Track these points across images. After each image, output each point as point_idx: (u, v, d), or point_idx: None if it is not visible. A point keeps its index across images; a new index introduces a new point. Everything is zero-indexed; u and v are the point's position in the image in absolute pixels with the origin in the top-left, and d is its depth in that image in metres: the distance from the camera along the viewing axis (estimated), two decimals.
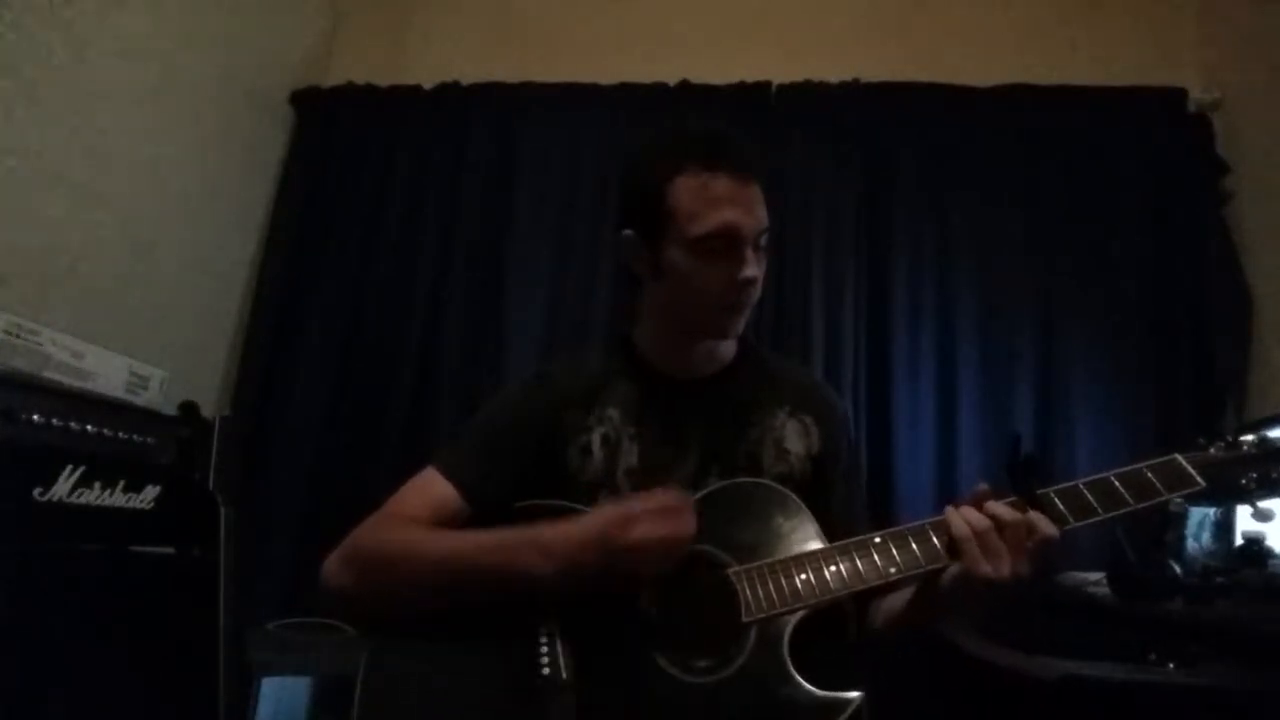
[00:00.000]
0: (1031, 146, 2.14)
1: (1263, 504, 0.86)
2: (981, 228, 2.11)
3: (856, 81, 2.23)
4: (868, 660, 1.00)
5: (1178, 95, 2.10)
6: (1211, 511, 1.42)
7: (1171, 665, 1.13)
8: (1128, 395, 1.96)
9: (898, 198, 2.15)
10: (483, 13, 2.58)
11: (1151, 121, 2.11)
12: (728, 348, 1.13)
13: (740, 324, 1.06)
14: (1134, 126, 2.11)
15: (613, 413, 1.07)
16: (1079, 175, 2.11)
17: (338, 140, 2.41)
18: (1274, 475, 0.84)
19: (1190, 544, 1.42)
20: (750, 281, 1.00)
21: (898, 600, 0.98)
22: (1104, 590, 1.40)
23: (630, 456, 1.05)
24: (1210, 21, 2.23)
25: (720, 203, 0.97)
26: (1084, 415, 1.95)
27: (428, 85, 2.41)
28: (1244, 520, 1.38)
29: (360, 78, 2.46)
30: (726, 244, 0.98)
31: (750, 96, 2.25)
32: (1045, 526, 0.84)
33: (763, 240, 1.01)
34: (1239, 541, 1.36)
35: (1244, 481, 0.84)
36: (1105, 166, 2.10)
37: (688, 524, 0.90)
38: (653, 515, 0.89)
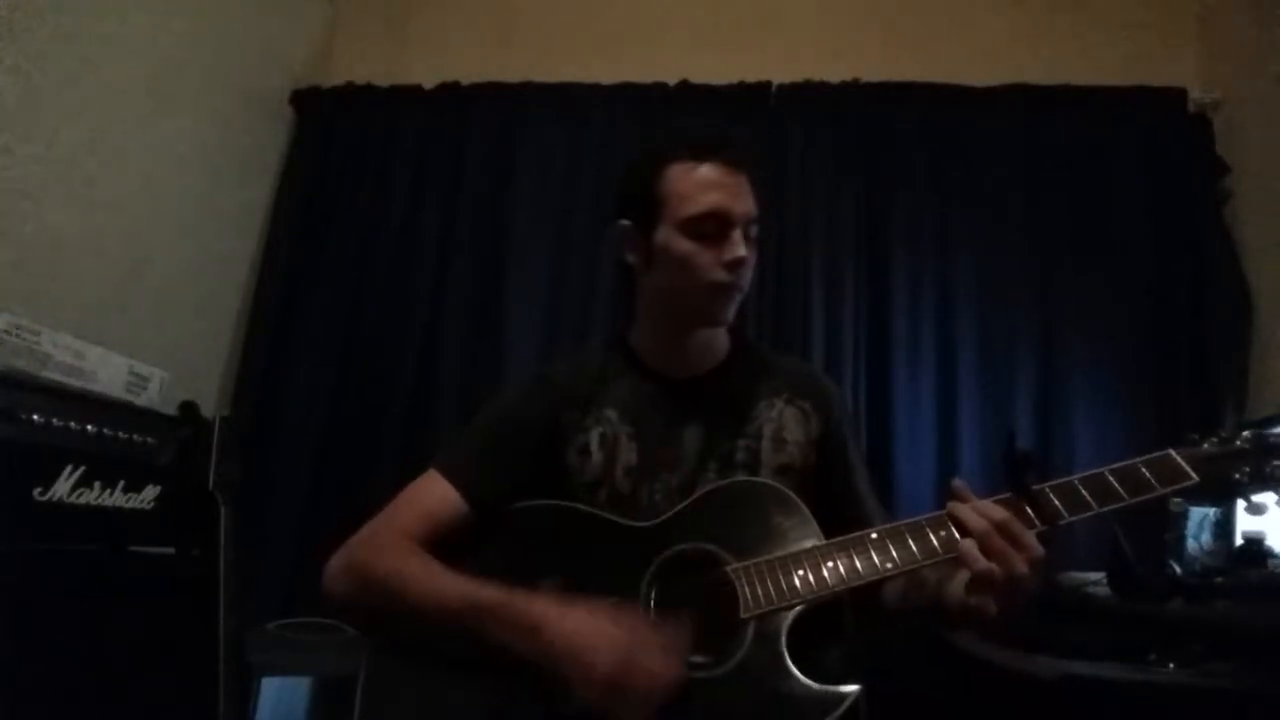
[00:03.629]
0: (1031, 146, 2.14)
1: (1256, 498, 0.85)
2: (981, 227, 2.11)
3: (856, 81, 2.23)
4: (865, 655, 1.00)
5: (1178, 95, 2.10)
6: (1211, 511, 1.42)
7: (1171, 665, 1.13)
8: (1127, 394, 1.96)
9: (898, 197, 2.15)
10: (483, 13, 2.58)
11: (1151, 121, 2.10)
12: (722, 344, 1.14)
13: (731, 310, 1.07)
14: (1134, 126, 2.11)
15: (610, 413, 1.08)
16: (1079, 175, 2.11)
17: (338, 140, 2.41)
18: (1266, 469, 0.84)
19: (1190, 544, 1.42)
20: (740, 261, 1.02)
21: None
22: (1104, 590, 1.39)
23: (629, 455, 1.06)
24: (1210, 21, 2.23)
25: (710, 187, 1.01)
26: (1084, 414, 1.95)
27: (428, 85, 2.41)
28: (1244, 520, 1.38)
29: (360, 78, 2.46)
30: (716, 226, 1.01)
31: (750, 96, 2.25)
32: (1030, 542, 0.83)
33: (752, 230, 1.05)
34: (1239, 541, 1.36)
35: (1237, 476, 0.85)
36: (1105, 166, 2.10)
37: (678, 666, 0.84)
38: (654, 652, 0.83)
